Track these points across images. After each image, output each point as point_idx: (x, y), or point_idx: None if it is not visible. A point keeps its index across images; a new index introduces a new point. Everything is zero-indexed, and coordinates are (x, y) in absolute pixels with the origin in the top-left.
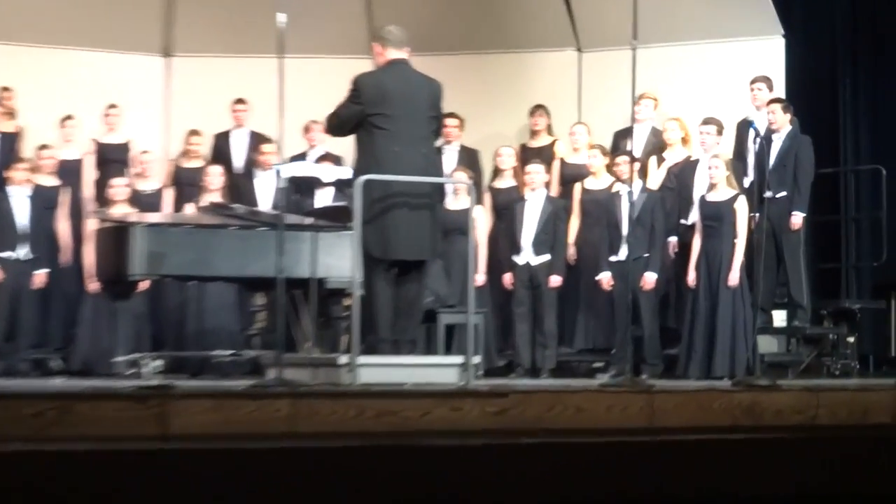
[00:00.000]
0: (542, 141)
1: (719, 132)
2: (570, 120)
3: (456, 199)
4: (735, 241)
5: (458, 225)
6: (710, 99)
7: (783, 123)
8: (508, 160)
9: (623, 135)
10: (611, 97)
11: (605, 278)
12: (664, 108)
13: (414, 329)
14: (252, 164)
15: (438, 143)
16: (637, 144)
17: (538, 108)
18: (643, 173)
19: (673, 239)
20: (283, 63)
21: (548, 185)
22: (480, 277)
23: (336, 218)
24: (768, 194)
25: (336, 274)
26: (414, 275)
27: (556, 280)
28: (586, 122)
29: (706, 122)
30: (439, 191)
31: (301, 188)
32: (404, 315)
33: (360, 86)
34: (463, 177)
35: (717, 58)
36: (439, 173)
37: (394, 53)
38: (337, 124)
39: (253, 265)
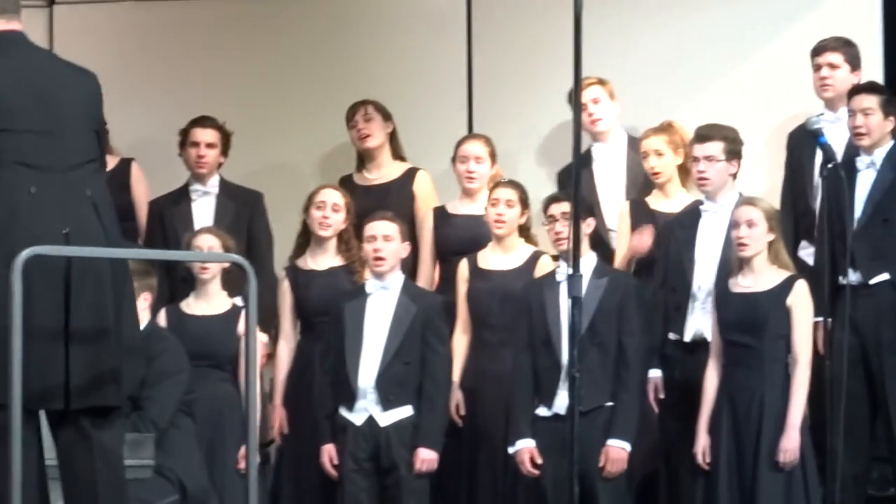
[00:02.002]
0: (385, 170)
1: (731, 156)
2: (450, 128)
3: (210, 297)
4: (791, 373)
5: (215, 349)
6: (727, 89)
7: (881, 134)
8: (336, 218)
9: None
10: (529, 80)
11: (527, 452)
12: (632, 107)
13: None
14: None
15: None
16: (615, 177)
17: (362, 106)
18: (602, 238)
19: (655, 374)
20: None
21: (406, 262)
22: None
23: None
24: (853, 278)
25: None
26: (93, 435)
27: (426, 458)
28: (484, 135)
29: (702, 136)
30: (130, 273)
31: None
32: None
33: None
34: (214, 244)
35: (739, 5)
36: (118, 240)
37: None
38: None
39: None
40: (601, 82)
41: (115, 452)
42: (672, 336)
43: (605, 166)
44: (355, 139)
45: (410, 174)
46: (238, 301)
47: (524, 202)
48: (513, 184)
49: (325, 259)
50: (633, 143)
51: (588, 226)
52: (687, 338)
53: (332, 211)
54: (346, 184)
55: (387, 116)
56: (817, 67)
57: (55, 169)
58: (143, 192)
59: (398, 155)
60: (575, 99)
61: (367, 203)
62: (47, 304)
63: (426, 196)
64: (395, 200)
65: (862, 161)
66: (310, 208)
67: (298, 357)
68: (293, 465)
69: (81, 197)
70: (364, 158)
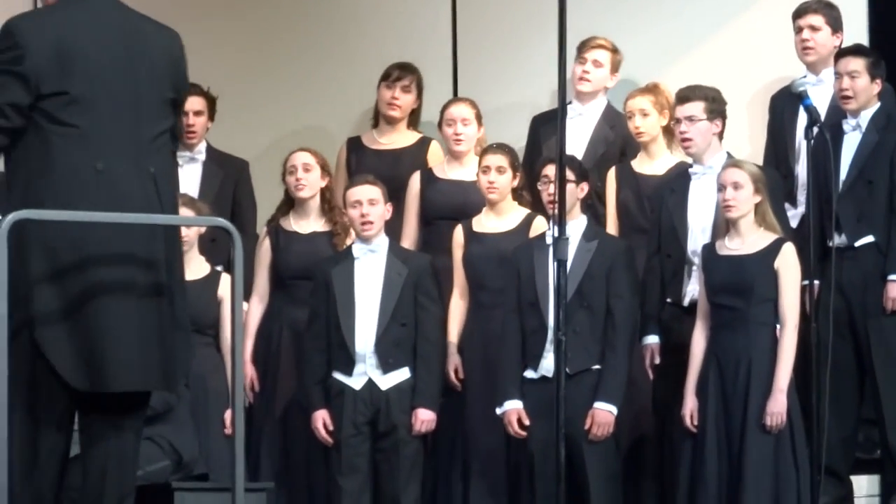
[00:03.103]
0: (398, 136)
1: (714, 115)
2: (435, 92)
3: (188, 262)
4: (778, 336)
5: (195, 313)
6: (710, 52)
7: (867, 97)
8: (309, 178)
9: (547, 122)
10: (518, 44)
11: (514, 413)
12: (627, 70)
13: None
14: None
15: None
16: (578, 142)
17: (410, 74)
18: (598, 200)
19: (652, 340)
20: None
21: (390, 223)
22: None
23: None
24: (839, 241)
25: None
26: (124, 422)
27: (425, 418)
28: (469, 98)
29: (683, 98)
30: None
31: None
32: (95, 497)
33: (19, 37)
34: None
35: None
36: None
37: None
38: None
39: None
40: (614, 50)
41: (133, 438)
42: (669, 300)
43: (572, 128)
44: (385, 100)
45: (424, 143)
46: (218, 267)
47: (514, 166)
48: (503, 148)
49: (307, 223)
50: (609, 115)
51: (581, 190)
52: (685, 302)
53: (304, 171)
54: (354, 145)
55: (421, 90)
56: (798, 30)
57: (124, 143)
58: None
59: (414, 122)
60: (560, 62)
61: (378, 167)
62: (133, 288)
63: (435, 159)
64: (407, 168)
65: (847, 124)
66: (286, 175)
67: (267, 315)
68: (258, 427)
69: (144, 173)
70: (380, 121)
